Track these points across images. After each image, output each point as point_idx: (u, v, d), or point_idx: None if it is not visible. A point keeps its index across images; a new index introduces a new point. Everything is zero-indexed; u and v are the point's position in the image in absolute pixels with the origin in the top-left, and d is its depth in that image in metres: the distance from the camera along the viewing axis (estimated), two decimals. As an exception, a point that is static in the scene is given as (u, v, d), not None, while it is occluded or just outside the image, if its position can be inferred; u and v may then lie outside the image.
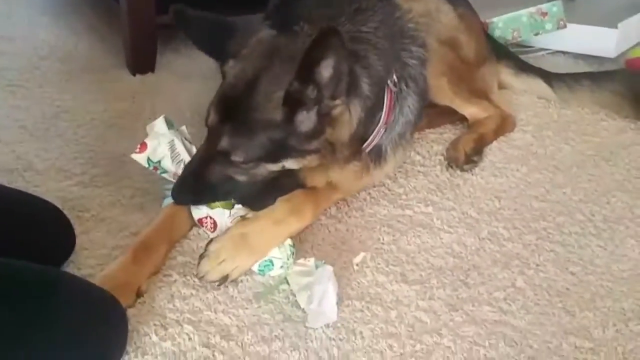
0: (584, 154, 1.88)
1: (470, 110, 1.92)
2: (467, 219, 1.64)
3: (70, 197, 1.62)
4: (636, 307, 1.40)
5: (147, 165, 1.50)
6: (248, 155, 1.38)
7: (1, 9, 2.46)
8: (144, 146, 1.49)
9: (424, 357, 1.27)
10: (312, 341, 1.29)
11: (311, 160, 1.42)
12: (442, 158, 1.85)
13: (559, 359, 1.28)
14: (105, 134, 1.87)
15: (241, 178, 1.42)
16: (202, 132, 1.88)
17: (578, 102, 2.05)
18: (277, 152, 1.38)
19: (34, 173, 1.69)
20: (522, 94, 2.12)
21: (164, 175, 1.51)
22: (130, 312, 1.31)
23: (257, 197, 1.45)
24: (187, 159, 1.48)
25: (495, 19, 2.26)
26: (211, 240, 1.41)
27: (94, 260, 1.46)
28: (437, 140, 1.93)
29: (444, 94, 1.80)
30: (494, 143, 1.91)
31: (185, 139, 1.53)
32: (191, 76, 2.16)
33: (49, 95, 2.01)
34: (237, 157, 1.38)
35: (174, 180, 1.47)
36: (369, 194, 1.70)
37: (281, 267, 1.41)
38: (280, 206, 1.44)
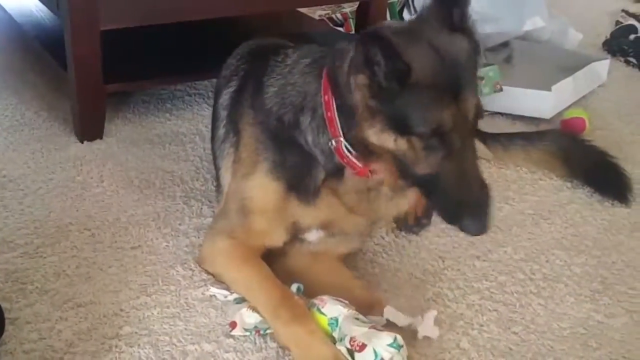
0: (524, 212, 1.94)
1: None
2: (413, 280, 1.67)
3: (14, 269, 1.60)
4: (576, 365, 1.44)
5: (249, 334, 1.46)
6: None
7: (-55, 78, 2.45)
8: (233, 324, 1.46)
9: (371, 423, 1.28)
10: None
11: None
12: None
13: (503, 420, 1.31)
14: (51, 203, 1.86)
15: None
16: (154, 198, 1.90)
17: (512, 160, 2.13)
18: None
19: (-23, 245, 1.67)
20: (464, 155, 2.18)
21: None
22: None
23: None
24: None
25: (436, 83, 2.34)
26: None
27: (36, 334, 1.44)
28: (383, 201, 1.97)
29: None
30: (438, 203, 1.96)
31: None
32: (139, 142, 2.17)
33: (-6, 165, 2.00)
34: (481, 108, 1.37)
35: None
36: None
37: None
38: None
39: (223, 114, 1.78)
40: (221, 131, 1.76)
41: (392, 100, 1.32)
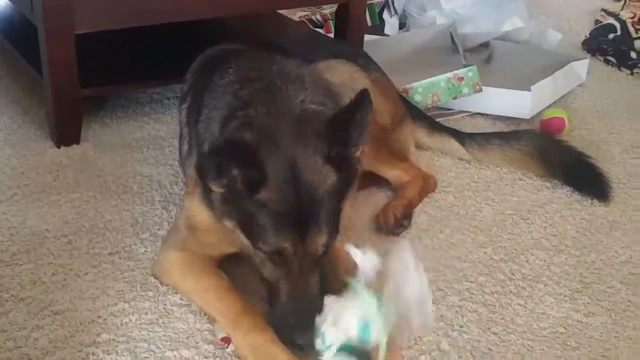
0: (504, 213, 1.94)
1: (393, 173, 1.97)
2: (393, 282, 1.67)
3: (-11, 277, 1.58)
4: (555, 365, 1.44)
5: None
6: (338, 230, 1.40)
7: None
8: (227, 339, 1.44)
9: None
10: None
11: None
12: (367, 221, 1.87)
13: (483, 421, 1.30)
14: (27, 210, 1.84)
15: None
16: (132, 203, 1.87)
17: (489, 160, 2.13)
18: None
19: (-49, 253, 1.65)
20: (443, 156, 2.18)
21: None
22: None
23: None
24: None
25: (415, 84, 2.35)
26: None
27: (12, 342, 1.42)
28: (364, 202, 1.96)
29: (365, 159, 1.84)
30: (419, 205, 1.96)
31: None
32: (116, 147, 2.15)
33: (-32, 171, 1.98)
34: (332, 240, 1.39)
35: None
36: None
37: None
38: None
39: (185, 130, 1.79)
40: (185, 147, 1.77)
41: (243, 205, 1.36)
